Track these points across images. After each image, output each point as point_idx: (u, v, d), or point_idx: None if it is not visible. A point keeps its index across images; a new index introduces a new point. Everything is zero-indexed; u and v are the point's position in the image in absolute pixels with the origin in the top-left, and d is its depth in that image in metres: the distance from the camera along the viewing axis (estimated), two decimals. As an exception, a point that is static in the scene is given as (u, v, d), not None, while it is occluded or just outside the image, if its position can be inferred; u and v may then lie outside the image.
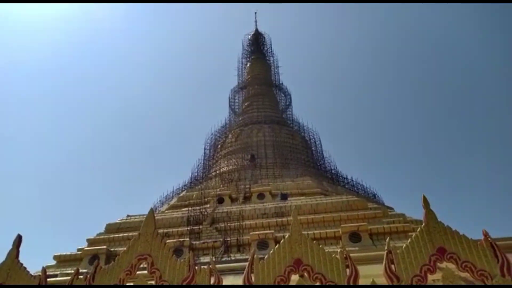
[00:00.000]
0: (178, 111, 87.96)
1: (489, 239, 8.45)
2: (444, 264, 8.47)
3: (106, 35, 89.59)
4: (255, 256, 9.22)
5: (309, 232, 16.03)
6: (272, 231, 16.71)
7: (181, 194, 25.59)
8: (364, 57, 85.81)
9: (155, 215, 12.97)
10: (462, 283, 8.05)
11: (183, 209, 21.42)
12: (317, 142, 33.56)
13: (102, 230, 20.46)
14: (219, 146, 33.44)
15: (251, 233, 16.65)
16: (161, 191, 35.08)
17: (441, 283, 8.04)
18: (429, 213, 9.08)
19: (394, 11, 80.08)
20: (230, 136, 33.43)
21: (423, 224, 9.05)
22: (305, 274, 8.70)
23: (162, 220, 19.76)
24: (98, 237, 19.57)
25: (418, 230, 9.03)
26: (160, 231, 16.24)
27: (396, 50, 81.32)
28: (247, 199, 21.92)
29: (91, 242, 19.11)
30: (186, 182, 29.69)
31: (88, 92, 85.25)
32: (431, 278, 8.26)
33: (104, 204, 67.06)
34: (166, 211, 23.16)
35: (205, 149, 33.32)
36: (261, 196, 21.67)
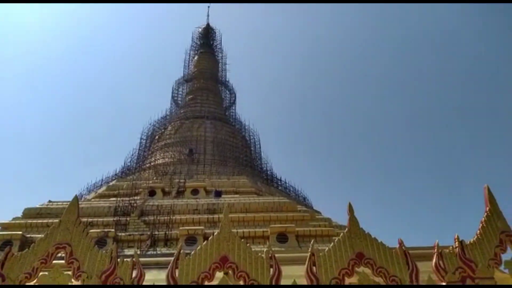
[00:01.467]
0: (116, 96, 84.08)
1: (403, 247, 9.11)
2: (361, 269, 8.98)
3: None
4: (182, 251, 9.12)
5: (239, 230, 16.18)
6: (202, 227, 16.63)
7: (111, 183, 24.55)
8: (320, 63, 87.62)
9: (80, 202, 12.34)
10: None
11: (111, 198, 20.57)
12: (256, 143, 33.98)
13: (19, 215, 19.02)
14: (157, 137, 32.58)
15: (180, 228, 16.43)
16: (89, 178, 33.30)
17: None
18: (353, 219, 9.58)
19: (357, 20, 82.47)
20: (169, 128, 32.71)
21: (346, 229, 9.54)
22: (230, 271, 8.77)
23: (87, 209, 18.82)
24: (13, 221, 18.16)
25: (340, 235, 9.50)
26: (84, 219, 15.44)
27: (352, 58, 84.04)
28: (180, 193, 21.58)
29: (4, 226, 17.69)
30: (117, 171, 28.51)
31: (17, 66, 78.59)
32: (348, 281, 8.72)
33: (24, 188, 62.25)
34: (92, 200, 22.09)
35: (141, 138, 32.31)
36: (195, 191, 21.45)
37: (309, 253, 9.04)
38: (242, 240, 9.42)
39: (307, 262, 8.90)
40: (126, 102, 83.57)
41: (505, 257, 9.31)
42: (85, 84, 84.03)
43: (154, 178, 24.21)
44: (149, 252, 15.41)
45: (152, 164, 28.18)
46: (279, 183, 29.69)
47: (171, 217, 17.75)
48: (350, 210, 9.73)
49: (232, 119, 36.64)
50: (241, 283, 8.64)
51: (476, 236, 9.38)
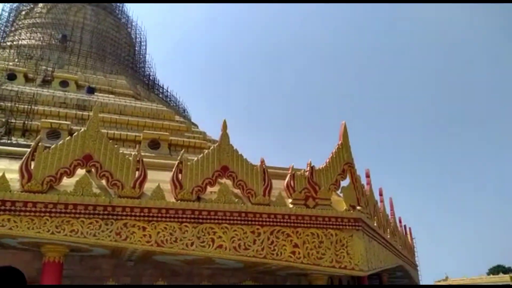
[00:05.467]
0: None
1: (263, 166, 10.04)
2: (223, 180, 9.70)
3: None
4: (41, 143, 8.52)
5: (109, 132, 15.64)
6: (69, 122, 15.55)
7: (-42, 57, 20.72)
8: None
9: None
10: (233, 197, 9.42)
11: (-43, 75, 17.55)
12: (142, 43, 31.72)
13: None
14: (24, 12, 27.88)
15: (42, 120, 15.09)
16: None
17: (216, 195, 9.22)
18: (224, 135, 10.05)
19: None
20: (41, 5, 28.11)
21: (217, 144, 10.01)
22: (93, 170, 8.60)
23: None
24: None
25: (210, 148, 9.96)
26: None
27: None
28: (46, 83, 19.44)
29: None
30: (-32, 44, 24.08)
31: None
32: (210, 190, 9.38)
33: None
34: None
35: (3, 10, 27.36)
36: (64, 83, 19.55)
37: (177, 161, 9.33)
38: (111, 141, 9.19)
39: (174, 169, 9.21)
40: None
41: (343, 183, 11.05)
42: None
43: (16, 60, 21.17)
44: (2, 141, 13.95)
45: (14, 43, 24.39)
46: (161, 91, 28.90)
47: (33, 106, 16.09)
48: (224, 126, 10.15)
49: (119, 10, 33.08)
50: (104, 182, 8.60)
51: (325, 164, 10.81)
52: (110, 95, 19.78)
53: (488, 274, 64.45)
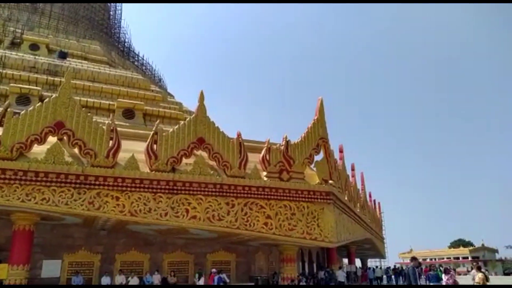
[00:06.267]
0: None
1: (239, 139, 10.06)
2: (199, 152, 9.70)
3: None
4: (9, 109, 8.25)
5: (82, 99, 15.22)
6: (40, 88, 15.02)
7: None
8: None
9: None
10: (209, 169, 9.46)
11: None
12: (117, 7, 30.46)
13: None
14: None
15: (11, 85, 14.50)
16: None
17: (191, 167, 9.23)
18: (201, 107, 9.97)
19: None
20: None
21: (193, 115, 9.93)
22: (65, 138, 8.42)
23: None
24: None
25: (186, 120, 9.88)
26: None
27: None
28: (15, 45, 18.56)
29: None
30: None
31: None
32: (185, 162, 9.37)
33: None
34: None
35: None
36: (34, 47, 18.71)
37: (152, 132, 9.24)
38: (84, 109, 8.98)
39: (149, 139, 9.12)
40: None
41: (317, 158, 11.25)
42: None
43: (-19, 20, 20.00)
44: (-33, 105, 13.37)
45: (-21, 1, 22.94)
46: (136, 59, 28.04)
47: (1, 70, 15.40)
48: (201, 97, 10.05)
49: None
50: (76, 151, 8.45)
51: (300, 138, 10.94)
52: (83, 61, 19.11)
53: (450, 247, 67.92)
